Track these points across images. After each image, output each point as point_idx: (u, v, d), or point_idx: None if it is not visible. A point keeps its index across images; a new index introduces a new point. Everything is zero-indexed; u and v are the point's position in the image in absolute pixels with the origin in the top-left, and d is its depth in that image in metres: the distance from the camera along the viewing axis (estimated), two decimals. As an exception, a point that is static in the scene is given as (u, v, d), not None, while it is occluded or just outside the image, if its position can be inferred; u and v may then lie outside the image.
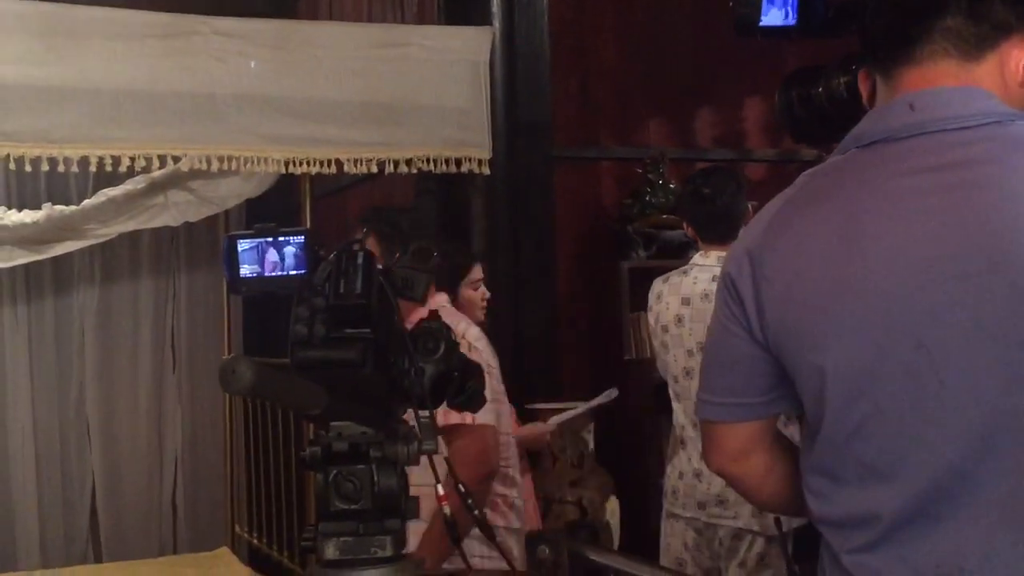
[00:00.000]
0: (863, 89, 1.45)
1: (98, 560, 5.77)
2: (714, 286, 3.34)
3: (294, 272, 1.18)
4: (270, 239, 1.26)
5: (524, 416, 3.87)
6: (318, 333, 1.15)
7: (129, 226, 4.73)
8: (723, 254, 3.44)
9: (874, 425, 1.27)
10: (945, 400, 1.23)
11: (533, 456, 4.01)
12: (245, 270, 1.27)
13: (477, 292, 3.59)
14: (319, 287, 1.17)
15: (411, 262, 1.33)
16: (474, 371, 1.33)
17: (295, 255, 1.25)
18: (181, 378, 6.11)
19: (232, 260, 1.23)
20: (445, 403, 1.32)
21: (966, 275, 1.23)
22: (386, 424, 1.20)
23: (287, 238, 1.24)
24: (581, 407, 3.60)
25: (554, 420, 3.59)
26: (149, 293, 5.96)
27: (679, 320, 3.33)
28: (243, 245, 1.25)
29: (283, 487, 4.94)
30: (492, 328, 3.89)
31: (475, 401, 1.33)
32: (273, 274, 1.27)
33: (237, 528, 5.65)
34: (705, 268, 3.27)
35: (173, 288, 6.00)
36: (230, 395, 0.97)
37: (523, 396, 3.89)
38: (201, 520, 6.06)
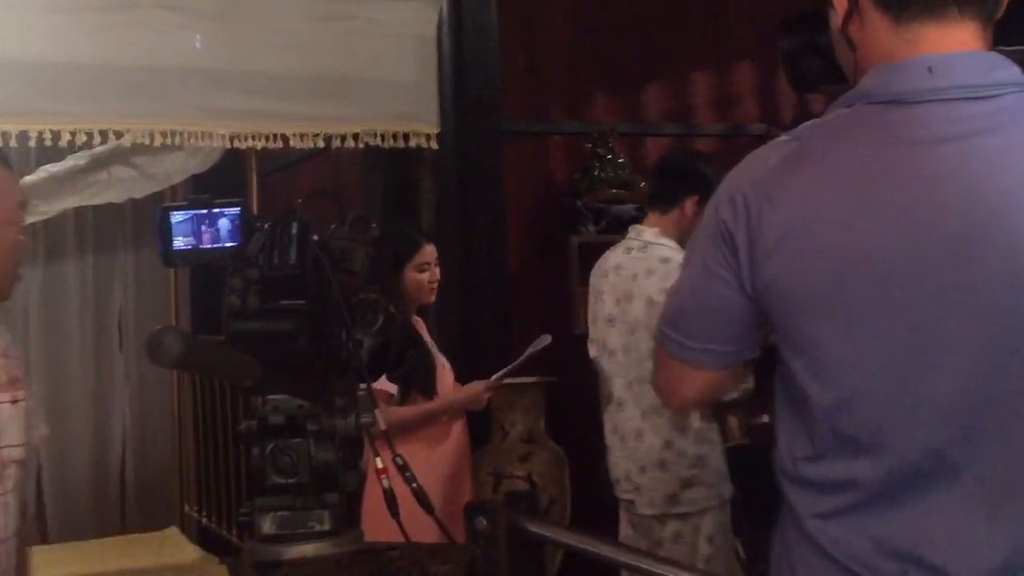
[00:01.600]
0: (839, 7, 1.35)
1: (45, 541, 5.70)
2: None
3: (230, 244, 1.15)
4: (204, 211, 1.22)
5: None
6: (252, 305, 1.13)
7: (72, 202, 4.64)
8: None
9: (859, 400, 1.25)
10: (932, 381, 1.22)
11: (484, 430, 4.01)
12: (179, 242, 1.23)
13: (423, 275, 3.58)
14: (253, 258, 1.15)
15: (349, 234, 1.31)
16: (414, 341, 1.31)
17: (231, 227, 1.22)
18: (128, 356, 6.04)
19: (165, 232, 1.20)
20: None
21: (971, 258, 1.20)
22: (323, 397, 1.18)
23: (222, 210, 1.20)
24: (516, 362, 3.58)
25: (494, 377, 3.59)
26: (95, 271, 5.88)
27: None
28: (176, 217, 1.22)
29: (233, 466, 4.90)
30: (442, 304, 3.88)
31: (415, 372, 1.32)
32: (208, 246, 1.24)
33: (186, 507, 5.61)
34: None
35: (120, 266, 5.92)
36: (161, 367, 0.95)
37: (474, 371, 3.88)
38: (150, 500, 6.01)
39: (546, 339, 3.63)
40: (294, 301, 1.13)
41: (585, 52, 4.73)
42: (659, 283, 3.35)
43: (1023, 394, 1.21)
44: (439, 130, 4.08)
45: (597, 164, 4.39)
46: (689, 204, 3.50)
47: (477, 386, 3.58)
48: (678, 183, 3.59)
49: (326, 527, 1.21)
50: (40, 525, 5.81)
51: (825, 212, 1.25)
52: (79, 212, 5.55)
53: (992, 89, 1.25)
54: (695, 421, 3.47)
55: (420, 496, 1.22)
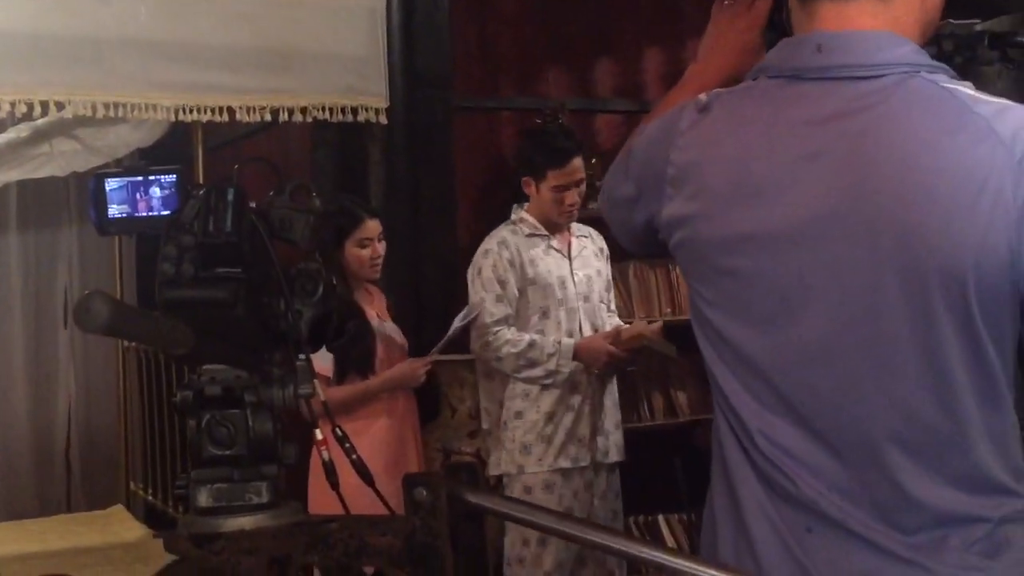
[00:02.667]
0: None
1: (-12, 521, 5.63)
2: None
3: (166, 213, 1.12)
4: (140, 178, 1.20)
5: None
6: (186, 272, 1.10)
7: (12, 176, 4.56)
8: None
9: (745, 369, 1.28)
10: (805, 362, 1.25)
11: (432, 407, 4.00)
12: (114, 210, 1.21)
13: (365, 251, 3.56)
14: (187, 225, 1.12)
15: (289, 203, 1.29)
16: (354, 312, 1.29)
17: (168, 195, 1.20)
18: (73, 334, 5.97)
19: (100, 200, 1.17)
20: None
21: (834, 238, 1.23)
22: (260, 367, 1.16)
23: (158, 177, 1.18)
24: (448, 334, 3.59)
25: (435, 349, 3.60)
26: (38, 247, 5.80)
27: None
28: (111, 184, 1.19)
29: (179, 443, 4.85)
30: (391, 278, 3.86)
31: (355, 343, 1.30)
32: (144, 214, 1.22)
33: (132, 485, 5.55)
34: None
35: (64, 242, 5.84)
36: (89, 332, 0.92)
37: (424, 346, 3.86)
38: (96, 478, 5.95)
39: (474, 310, 3.63)
40: (230, 269, 1.11)
41: (536, 27, 4.71)
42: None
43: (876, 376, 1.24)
44: (388, 104, 4.05)
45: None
46: (528, 185, 3.71)
47: (411, 363, 3.59)
48: (517, 167, 3.76)
49: (264, 499, 1.19)
50: (-18, 503, 5.75)
51: (714, 185, 1.30)
52: (22, 187, 5.46)
53: (877, 69, 1.27)
54: None
55: (360, 468, 1.21)
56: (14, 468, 5.85)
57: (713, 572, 1.03)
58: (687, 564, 1.05)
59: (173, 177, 1.07)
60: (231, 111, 3.80)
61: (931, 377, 1.21)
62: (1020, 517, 1.25)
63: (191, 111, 3.75)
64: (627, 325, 3.85)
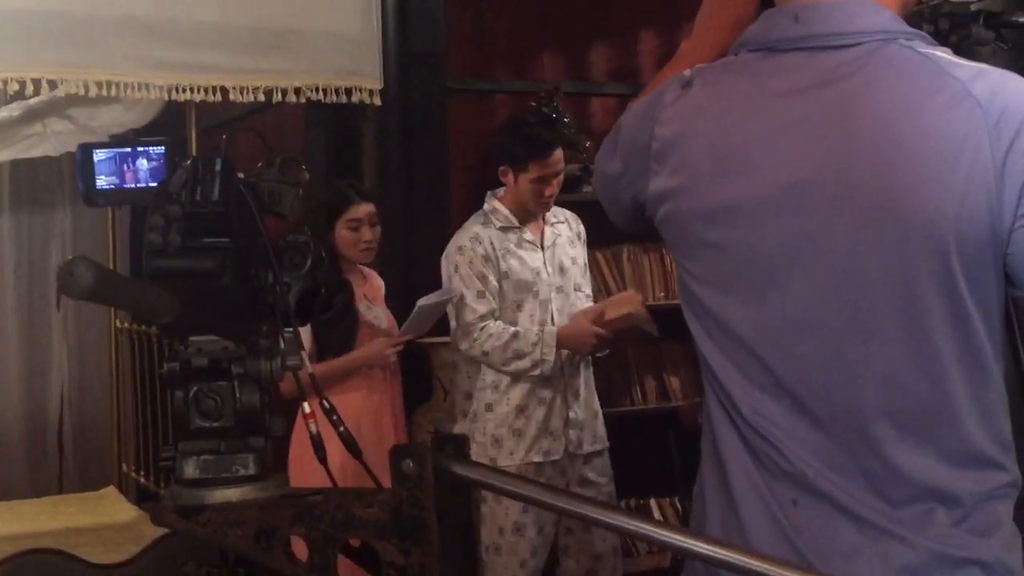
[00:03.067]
0: None
1: (-21, 501, 5.62)
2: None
3: (154, 184, 1.11)
4: (128, 149, 1.19)
5: (416, 349, 3.84)
6: (173, 242, 1.10)
7: (5, 156, 4.54)
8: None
9: (733, 343, 1.28)
10: (790, 334, 1.25)
11: (424, 390, 4.00)
12: (102, 182, 1.19)
13: (353, 233, 3.55)
14: (175, 195, 1.12)
15: (278, 175, 1.28)
16: (342, 287, 1.29)
17: (155, 167, 1.19)
18: (67, 314, 5.95)
19: (87, 171, 1.16)
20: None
21: (821, 204, 1.23)
22: (247, 338, 1.16)
23: (146, 148, 1.17)
24: (412, 314, 3.58)
25: (402, 329, 3.60)
26: (31, 227, 5.78)
27: None
28: (99, 155, 1.17)
29: (172, 426, 4.84)
30: (384, 261, 3.85)
31: (342, 316, 1.30)
32: (132, 186, 1.20)
33: (124, 467, 5.55)
34: None
35: (57, 222, 5.81)
36: (72, 298, 0.91)
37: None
38: (88, 460, 5.94)
39: (448, 292, 3.61)
40: (217, 239, 1.10)
41: (531, 10, 4.69)
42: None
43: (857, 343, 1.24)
44: (382, 86, 4.04)
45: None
46: (505, 175, 3.68)
47: (379, 343, 3.59)
48: (495, 156, 3.74)
49: (251, 471, 1.18)
50: (-26, 484, 5.74)
51: (694, 161, 1.30)
52: (15, 167, 5.43)
53: (854, 37, 1.27)
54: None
55: (347, 440, 1.20)
56: (6, 450, 5.84)
57: (701, 544, 1.02)
58: (674, 537, 1.04)
59: (161, 149, 1.06)
60: (224, 91, 3.79)
61: (916, 346, 1.21)
62: (1007, 494, 1.25)
63: (184, 90, 3.74)
64: (612, 298, 3.83)
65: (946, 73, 1.22)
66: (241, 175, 1.18)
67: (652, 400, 4.50)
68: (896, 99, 1.22)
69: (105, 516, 4.81)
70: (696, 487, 1.39)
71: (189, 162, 1.12)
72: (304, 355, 1.19)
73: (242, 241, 1.14)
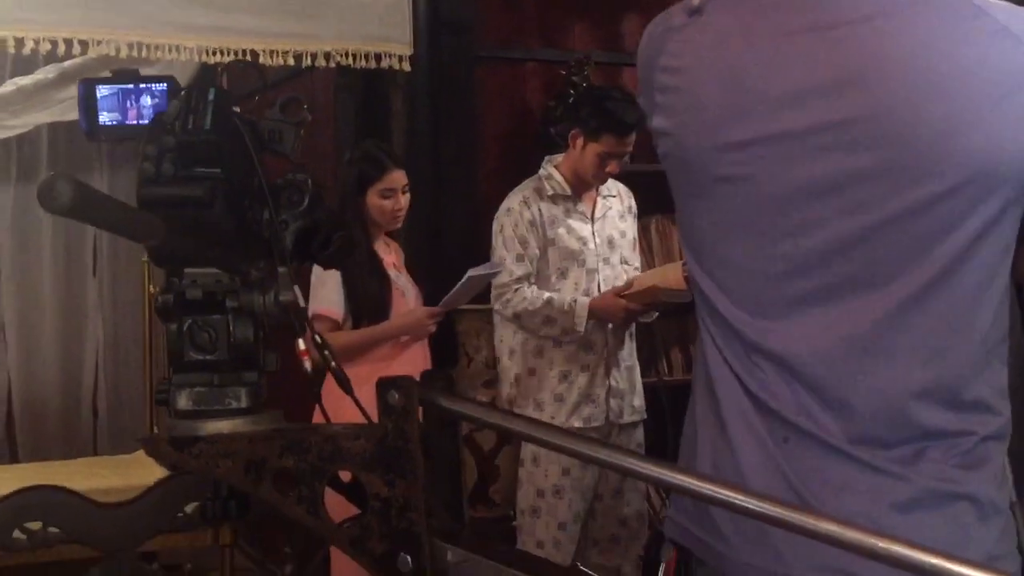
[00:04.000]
0: None
1: (14, 460, 5.71)
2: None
3: (157, 121, 1.12)
4: (131, 85, 1.19)
5: (446, 316, 3.85)
6: (166, 171, 1.10)
7: (42, 118, 4.59)
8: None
9: (734, 282, 1.27)
10: (797, 275, 1.23)
11: (450, 356, 4.01)
12: (104, 118, 1.20)
13: (386, 201, 3.56)
14: (169, 125, 1.12)
15: (280, 115, 1.29)
16: (341, 224, 1.29)
17: (157, 103, 1.19)
18: (103, 280, 6.02)
19: (90, 107, 1.16)
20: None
21: (845, 144, 1.20)
22: (239, 270, 1.16)
23: (149, 85, 1.17)
24: (459, 284, 3.58)
25: (446, 299, 3.60)
26: (68, 192, 5.83)
27: None
28: (102, 91, 1.18)
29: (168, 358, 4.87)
30: (411, 229, 3.86)
31: (342, 256, 1.30)
32: (134, 123, 1.21)
33: (156, 431, 5.61)
34: None
35: (95, 186, 5.86)
36: (53, 213, 0.90)
37: (442, 298, 3.86)
38: (121, 423, 6.02)
39: (496, 266, 3.62)
40: (209, 169, 1.10)
41: (562, -23, 4.66)
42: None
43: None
44: (412, 52, 4.04)
45: (572, 92, 4.35)
46: (575, 139, 3.70)
47: (421, 312, 3.59)
48: (568, 119, 3.74)
49: (243, 405, 1.19)
50: (10, 446, 5.83)
51: (706, 92, 1.26)
52: (53, 131, 5.49)
53: None
54: None
55: (338, 377, 1.21)
56: (43, 413, 5.92)
57: (691, 481, 1.02)
58: (667, 473, 1.04)
59: (163, 86, 1.06)
60: (254, 54, 3.80)
61: (941, 295, 1.19)
62: (1000, 434, 1.23)
63: (215, 52, 3.75)
64: (649, 272, 3.84)
65: (983, 12, 1.19)
66: (237, 109, 1.18)
67: (678, 372, 4.48)
68: (931, 39, 1.19)
69: (136, 478, 4.85)
70: (687, 421, 1.38)
71: (183, 92, 1.13)
72: (297, 290, 1.20)
73: (234, 172, 1.14)
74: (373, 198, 3.55)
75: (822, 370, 1.23)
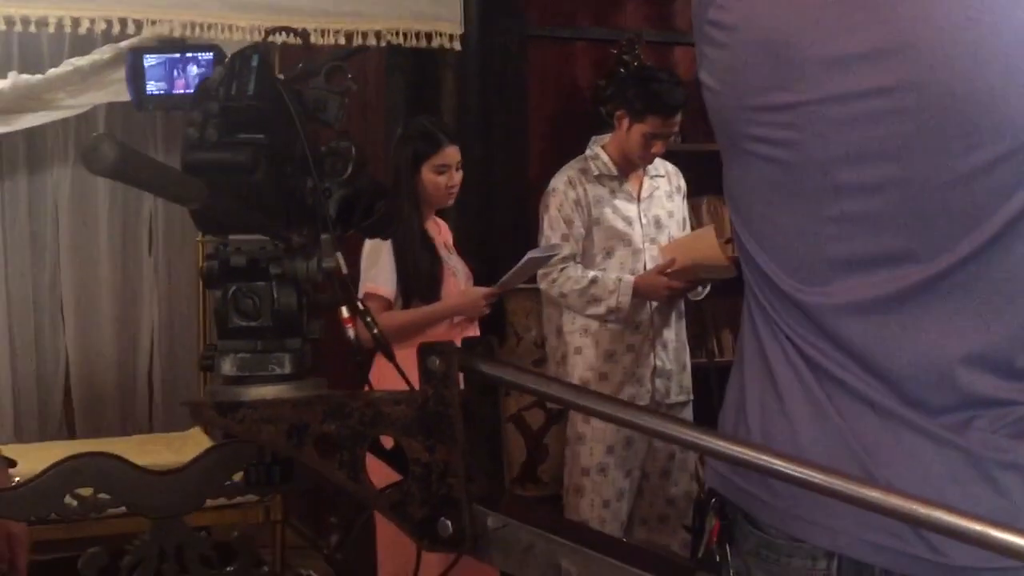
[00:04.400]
0: None
1: (72, 436, 5.81)
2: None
3: (203, 90, 1.13)
4: (178, 55, 1.20)
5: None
6: (210, 137, 1.11)
7: (98, 98, 4.62)
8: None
9: (775, 245, 1.27)
10: (844, 239, 1.22)
11: (499, 336, 4.01)
12: (151, 87, 1.22)
13: (441, 177, 3.54)
14: (213, 91, 1.13)
15: (324, 84, 1.29)
16: (383, 192, 1.29)
17: (203, 72, 1.20)
18: (158, 259, 6.09)
19: (137, 77, 1.17)
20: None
21: (897, 110, 1.18)
22: (281, 236, 1.17)
23: (195, 54, 1.18)
24: (517, 267, 3.57)
25: (495, 286, 3.59)
26: (125, 172, 5.90)
27: None
28: (149, 61, 1.19)
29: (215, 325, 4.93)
30: (461, 208, 3.86)
31: (385, 224, 1.30)
32: (181, 92, 1.22)
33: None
34: None
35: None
36: (96, 174, 0.92)
37: (492, 278, 3.87)
38: (177, 401, 6.09)
39: (553, 248, 3.61)
40: (252, 135, 1.11)
41: (614, -43, 4.63)
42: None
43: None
44: (463, 31, 4.03)
45: (622, 71, 4.32)
46: (620, 120, 3.70)
47: (476, 292, 3.56)
48: (614, 100, 3.72)
49: (287, 371, 1.20)
50: (67, 422, 5.93)
51: (746, 57, 1.24)
52: (110, 110, 5.55)
53: None
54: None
55: (381, 343, 1.21)
56: (99, 390, 6.01)
57: (758, 454, 1.01)
58: (711, 440, 1.03)
59: (210, 55, 1.06)
60: (305, 33, 3.81)
61: (983, 254, 1.17)
62: None
63: (267, 33, 3.77)
64: (682, 238, 3.82)
65: None
66: (281, 76, 1.19)
67: (728, 353, 4.45)
68: (982, 3, 1.16)
69: (189, 455, 4.87)
70: (730, 387, 1.37)
71: (228, 59, 1.13)
72: (339, 256, 1.20)
73: (279, 140, 1.15)
74: (428, 174, 3.53)
75: (867, 335, 1.21)
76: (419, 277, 3.48)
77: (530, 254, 3.55)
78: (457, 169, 3.58)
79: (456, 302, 3.54)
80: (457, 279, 3.64)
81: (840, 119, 1.19)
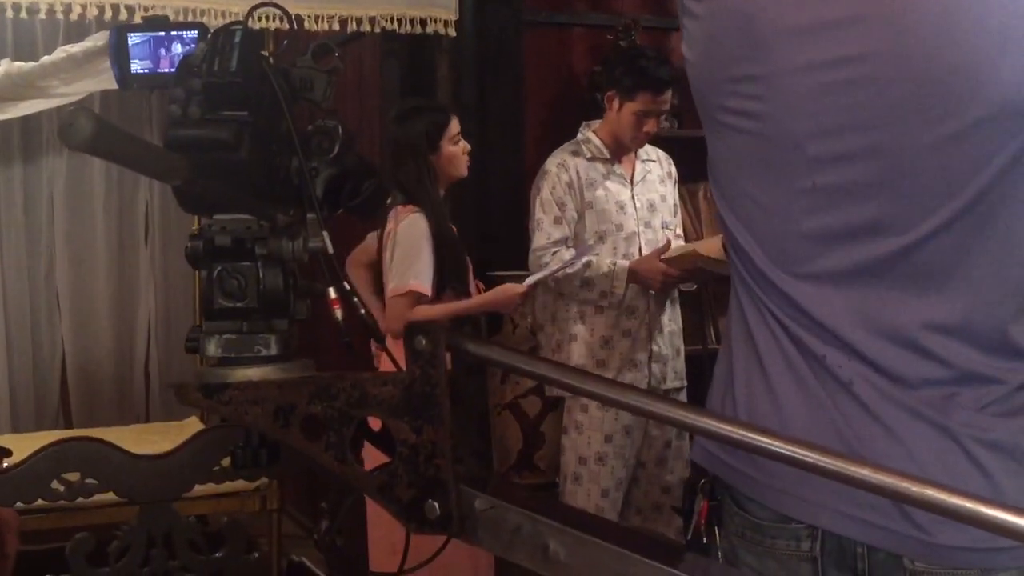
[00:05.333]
0: None
1: (68, 427, 5.80)
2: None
3: (187, 68, 1.11)
4: (162, 33, 1.18)
5: (491, 284, 3.83)
6: (192, 114, 1.09)
7: (91, 86, 4.61)
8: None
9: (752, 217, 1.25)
10: (819, 212, 1.21)
11: (493, 322, 4.00)
12: (136, 65, 1.19)
13: (458, 146, 3.53)
14: (196, 67, 1.11)
15: (311, 62, 1.27)
16: (371, 172, 1.27)
17: (189, 51, 1.18)
18: (154, 249, 6.08)
19: (121, 55, 1.15)
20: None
21: (865, 80, 1.17)
22: (266, 215, 1.15)
23: (180, 33, 1.16)
24: (554, 268, 3.54)
25: (527, 282, 3.55)
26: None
27: None
28: (134, 39, 1.17)
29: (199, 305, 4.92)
30: (456, 196, 3.84)
31: (372, 204, 1.28)
32: (166, 71, 1.20)
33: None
34: None
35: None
36: (73, 149, 0.90)
37: (489, 265, 3.85)
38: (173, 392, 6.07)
39: (586, 252, 3.58)
40: (236, 112, 1.09)
41: (610, -59, 4.61)
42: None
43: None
44: (457, 17, 4.01)
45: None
46: (611, 100, 3.66)
47: (512, 289, 3.50)
48: (603, 82, 3.69)
49: (273, 352, 1.19)
50: (64, 412, 5.93)
51: (720, 37, 1.23)
52: (105, 99, 5.53)
53: None
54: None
55: (368, 325, 1.20)
56: (96, 380, 6.01)
57: (756, 435, 0.99)
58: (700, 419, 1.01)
59: (195, 33, 1.05)
60: (299, 19, 3.79)
61: (957, 223, 1.15)
62: None
63: (260, 17, 3.75)
64: (696, 243, 3.80)
65: None
66: (266, 53, 1.17)
67: (725, 341, 4.43)
68: None
69: (185, 444, 4.92)
70: (718, 362, 1.36)
71: (210, 35, 1.12)
72: (326, 236, 1.19)
73: (264, 118, 1.13)
74: (447, 147, 3.48)
75: (846, 308, 1.21)
76: (455, 268, 3.42)
77: (564, 266, 3.51)
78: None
79: (491, 298, 3.49)
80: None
81: (808, 90, 1.19)
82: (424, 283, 3.36)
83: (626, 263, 3.61)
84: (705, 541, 1.28)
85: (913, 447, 1.17)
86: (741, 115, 1.24)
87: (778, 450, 0.95)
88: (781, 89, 1.20)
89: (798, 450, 0.94)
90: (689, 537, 1.31)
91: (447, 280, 3.41)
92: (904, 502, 0.83)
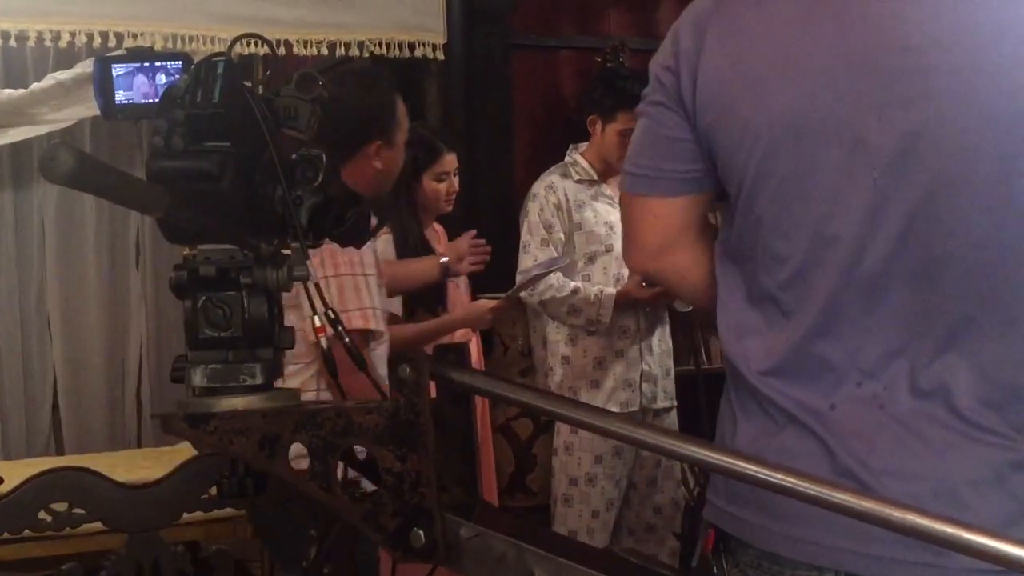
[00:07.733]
0: None
1: (60, 452, 5.77)
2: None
3: (173, 99, 1.12)
4: (146, 64, 1.18)
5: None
6: (175, 145, 1.10)
7: (82, 112, 4.61)
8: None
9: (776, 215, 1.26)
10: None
11: (486, 344, 4.00)
12: (120, 97, 1.20)
13: (441, 184, 3.53)
14: (179, 99, 1.12)
15: (295, 91, 1.28)
16: (355, 199, 1.28)
17: (173, 81, 1.18)
18: (146, 274, 6.06)
19: (106, 86, 1.15)
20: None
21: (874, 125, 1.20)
22: (250, 245, 1.16)
23: (164, 63, 1.16)
24: (529, 275, 3.54)
25: (503, 296, 3.56)
26: (111, 186, 5.88)
27: None
28: (117, 69, 1.17)
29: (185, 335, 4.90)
30: (446, 218, 3.84)
31: (356, 232, 1.29)
32: (152, 101, 1.21)
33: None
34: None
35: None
36: (54, 183, 0.91)
37: (476, 287, 3.85)
38: (165, 416, 6.05)
39: (560, 261, 3.59)
40: (219, 143, 1.10)
41: (597, -36, 4.64)
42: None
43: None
44: (446, 40, 4.03)
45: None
46: (593, 124, 3.63)
47: (483, 306, 3.52)
48: (584, 106, 3.71)
49: (258, 381, 1.19)
50: (55, 438, 5.89)
51: (752, 62, 1.24)
52: (95, 126, 5.53)
53: None
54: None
55: (352, 352, 1.20)
56: (87, 405, 5.97)
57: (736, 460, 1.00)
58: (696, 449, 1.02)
59: (179, 63, 1.05)
60: (288, 44, 3.81)
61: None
62: None
63: (249, 44, 3.76)
64: None
65: None
66: (248, 83, 1.18)
67: (717, 361, 4.43)
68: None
69: (177, 469, 4.89)
70: (725, 396, 1.37)
71: (193, 66, 1.12)
72: (310, 265, 1.19)
73: (247, 148, 1.13)
74: (428, 182, 3.51)
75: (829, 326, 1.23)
76: (424, 288, 3.43)
77: (533, 269, 3.52)
78: (455, 175, 3.57)
79: (464, 314, 3.50)
80: (459, 287, 3.62)
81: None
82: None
83: (612, 292, 3.61)
84: (714, 569, 1.27)
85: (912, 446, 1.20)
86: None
87: (776, 481, 0.95)
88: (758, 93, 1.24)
89: (795, 480, 0.94)
90: (695, 563, 1.30)
91: (419, 299, 3.42)
92: (920, 538, 0.84)
